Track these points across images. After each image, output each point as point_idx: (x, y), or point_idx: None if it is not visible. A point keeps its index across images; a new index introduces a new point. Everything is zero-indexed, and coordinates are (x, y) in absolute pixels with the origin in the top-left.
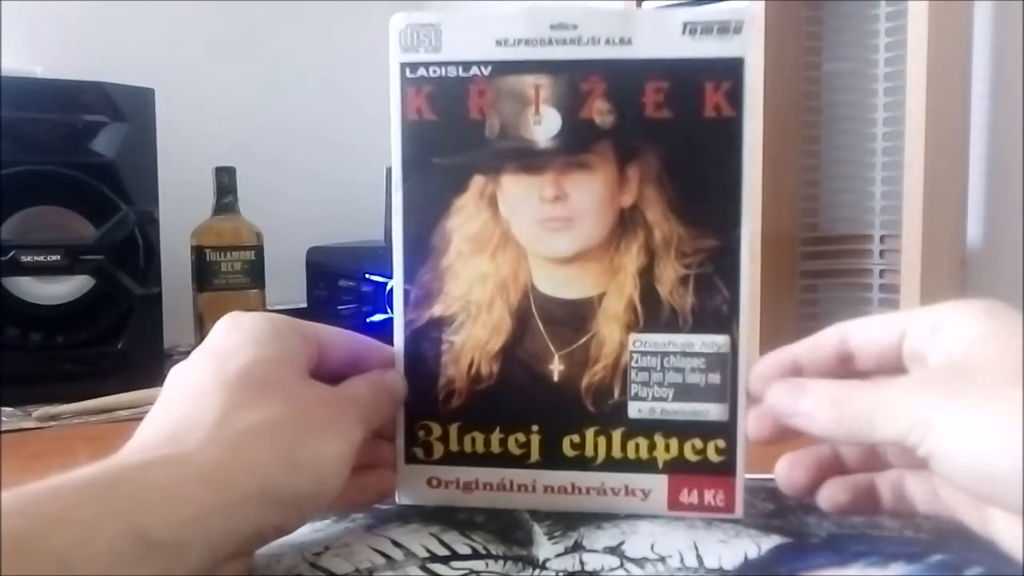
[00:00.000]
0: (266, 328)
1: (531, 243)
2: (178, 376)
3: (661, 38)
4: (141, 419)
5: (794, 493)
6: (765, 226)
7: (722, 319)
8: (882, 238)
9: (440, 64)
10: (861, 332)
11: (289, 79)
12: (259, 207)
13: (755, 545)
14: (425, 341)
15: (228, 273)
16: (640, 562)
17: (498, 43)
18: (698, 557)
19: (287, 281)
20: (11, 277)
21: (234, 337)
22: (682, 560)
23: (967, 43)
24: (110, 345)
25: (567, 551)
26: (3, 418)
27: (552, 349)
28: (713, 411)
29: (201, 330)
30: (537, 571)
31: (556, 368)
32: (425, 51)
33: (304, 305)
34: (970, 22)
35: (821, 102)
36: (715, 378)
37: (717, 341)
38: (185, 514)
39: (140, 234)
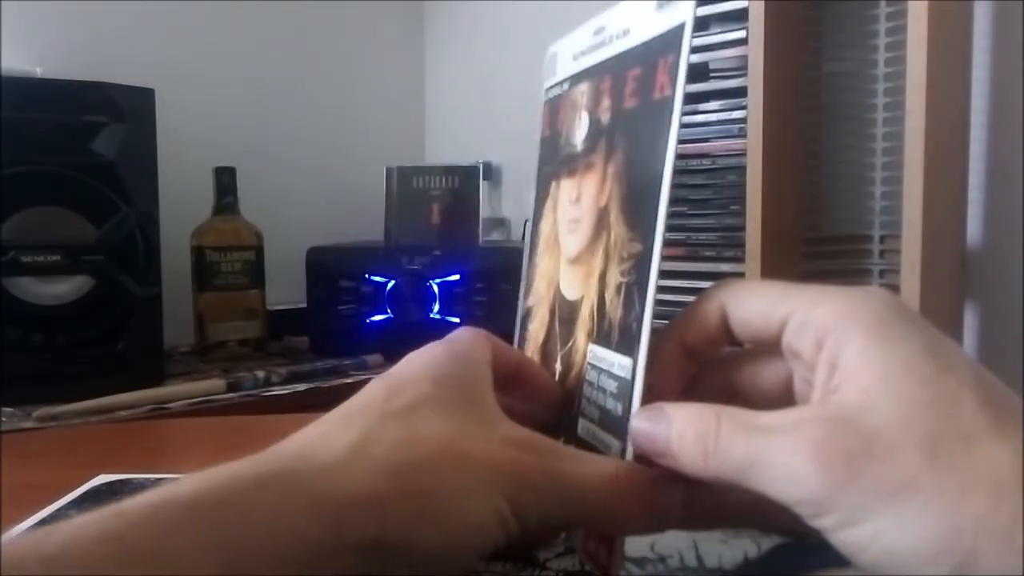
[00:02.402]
0: (456, 368)
1: (561, 243)
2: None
3: (644, 22)
4: (141, 419)
5: None
6: (765, 226)
7: (631, 338)
8: (882, 238)
9: (553, 86)
10: (737, 309)
11: (289, 80)
12: (259, 207)
13: (755, 545)
14: (523, 329)
15: (228, 273)
16: (640, 562)
17: (574, 58)
18: (698, 557)
19: (287, 281)
20: (11, 277)
21: (420, 371)
22: (682, 560)
23: (967, 43)
24: (110, 345)
25: (567, 551)
26: (3, 418)
27: (558, 348)
28: (614, 447)
29: (201, 330)
30: (537, 571)
31: (557, 368)
32: (549, 76)
33: (304, 305)
34: (970, 22)
35: (821, 102)
36: (619, 408)
37: (624, 363)
38: (290, 549)
39: (140, 234)
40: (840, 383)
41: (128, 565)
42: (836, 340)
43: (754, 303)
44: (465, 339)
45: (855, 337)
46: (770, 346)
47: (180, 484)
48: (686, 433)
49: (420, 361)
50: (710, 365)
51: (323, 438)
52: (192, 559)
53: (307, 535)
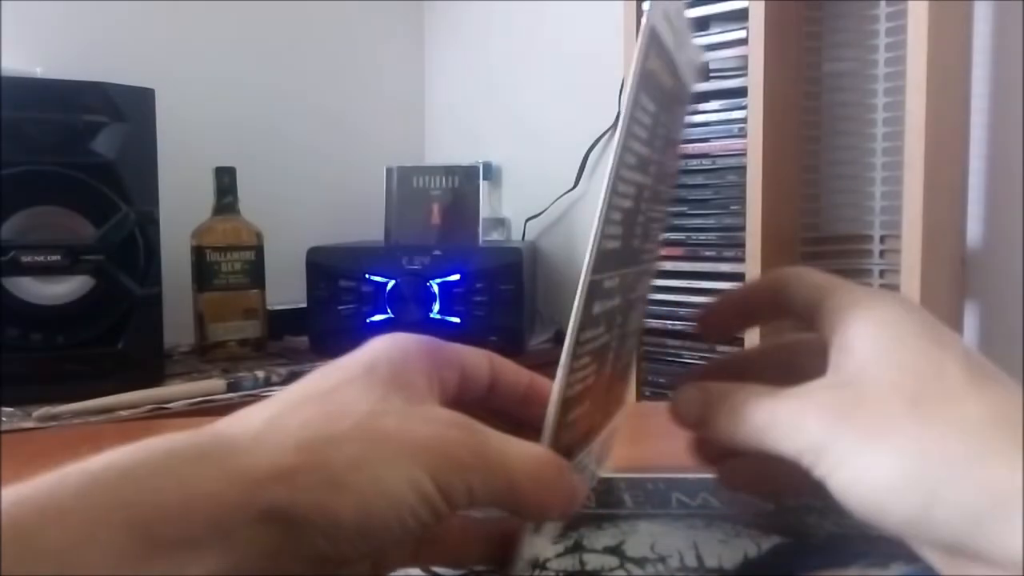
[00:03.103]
0: (392, 353)
1: None
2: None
3: None
4: (140, 419)
5: (701, 466)
6: (765, 226)
7: None
8: (882, 238)
9: None
10: (792, 285)
11: (289, 80)
12: (259, 207)
13: (755, 545)
14: None
15: (228, 273)
16: (640, 562)
17: None
18: (698, 557)
19: (287, 281)
20: (11, 277)
21: (357, 361)
22: (682, 560)
23: (967, 43)
24: (110, 345)
25: (567, 551)
26: (3, 418)
27: None
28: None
29: (201, 330)
30: (537, 571)
31: None
32: None
33: (304, 305)
34: (970, 22)
35: (821, 102)
36: None
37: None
38: (199, 512)
39: (140, 234)
40: (846, 359)
41: (35, 524)
42: (849, 329)
43: (805, 286)
44: (425, 337)
45: (862, 324)
46: (810, 318)
47: (91, 458)
48: (722, 406)
49: (362, 349)
50: (776, 351)
51: (240, 418)
52: (99, 517)
53: (217, 500)
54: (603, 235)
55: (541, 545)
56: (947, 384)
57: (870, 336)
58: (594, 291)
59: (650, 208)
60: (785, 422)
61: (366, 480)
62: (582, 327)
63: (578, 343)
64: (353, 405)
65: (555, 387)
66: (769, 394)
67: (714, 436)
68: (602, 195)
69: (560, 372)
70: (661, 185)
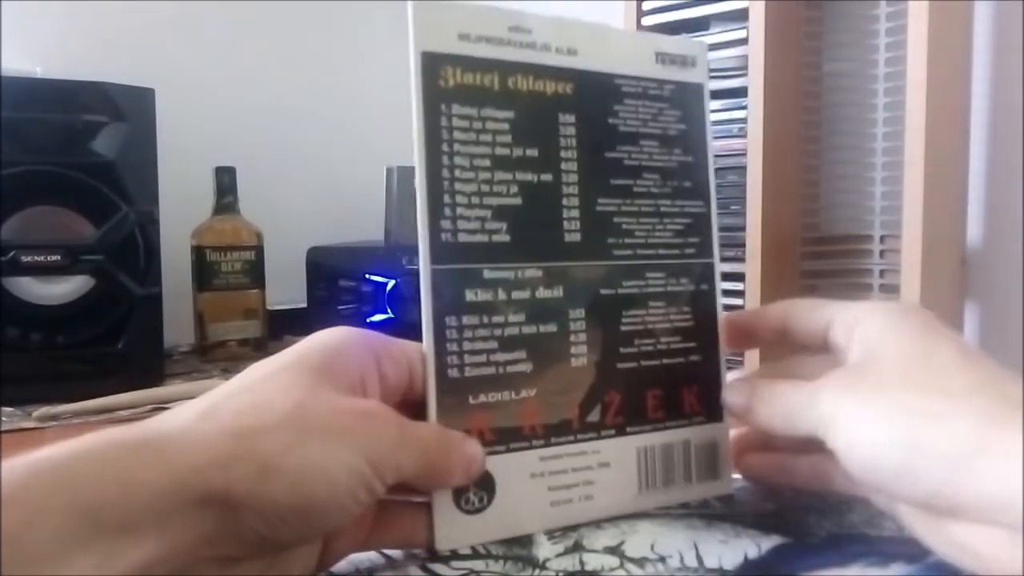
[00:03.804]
0: (327, 343)
1: None
2: None
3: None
4: (141, 419)
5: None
6: (765, 226)
7: None
8: (882, 238)
9: None
10: (796, 316)
11: (289, 80)
12: (259, 207)
13: (755, 545)
14: None
15: (228, 273)
16: (640, 562)
17: None
18: (698, 557)
19: (287, 281)
20: (11, 277)
21: (292, 350)
22: (682, 560)
23: (967, 43)
24: (110, 345)
25: (567, 551)
26: (3, 418)
27: None
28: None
29: (201, 330)
30: (537, 571)
31: None
32: None
33: (304, 305)
34: (970, 22)
35: (821, 102)
36: None
37: None
38: (137, 498)
39: (140, 234)
40: (856, 353)
41: None
42: (860, 326)
43: (811, 311)
44: (368, 331)
45: (872, 321)
46: (816, 343)
47: (37, 451)
48: (764, 398)
49: (300, 342)
50: (789, 364)
51: (174, 413)
52: (43, 503)
53: (153, 487)
54: (443, 230)
55: (543, 546)
56: (937, 361)
57: (874, 334)
58: (462, 279)
59: (610, 204)
60: (804, 402)
61: (299, 464)
62: (453, 312)
63: (461, 328)
64: (283, 394)
65: (427, 370)
66: (798, 385)
67: (757, 423)
68: (420, 197)
69: (427, 355)
70: (624, 179)
